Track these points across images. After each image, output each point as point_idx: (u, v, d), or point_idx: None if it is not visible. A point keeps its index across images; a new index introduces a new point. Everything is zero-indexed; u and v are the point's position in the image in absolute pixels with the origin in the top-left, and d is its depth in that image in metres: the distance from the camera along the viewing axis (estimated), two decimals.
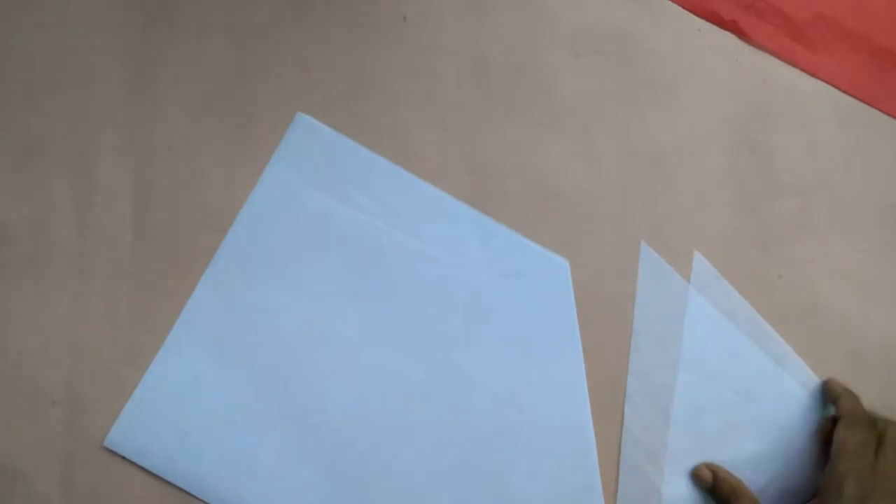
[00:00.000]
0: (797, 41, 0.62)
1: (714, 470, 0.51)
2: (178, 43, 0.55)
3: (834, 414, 0.52)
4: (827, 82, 0.61)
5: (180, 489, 0.49)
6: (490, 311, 0.54)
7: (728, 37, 0.61)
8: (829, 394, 0.54)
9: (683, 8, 0.61)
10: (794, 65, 0.61)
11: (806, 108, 0.61)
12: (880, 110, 0.62)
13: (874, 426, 0.50)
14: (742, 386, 0.53)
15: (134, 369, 0.51)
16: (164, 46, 0.55)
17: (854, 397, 0.52)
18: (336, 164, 0.55)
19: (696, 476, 0.52)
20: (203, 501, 0.49)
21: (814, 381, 0.54)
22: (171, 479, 0.49)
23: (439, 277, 0.54)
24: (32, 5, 0.55)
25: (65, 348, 0.51)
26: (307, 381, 0.52)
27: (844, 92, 0.61)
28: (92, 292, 0.51)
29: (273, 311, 0.52)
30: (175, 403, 0.50)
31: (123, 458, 0.49)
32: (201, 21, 0.56)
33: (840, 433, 0.49)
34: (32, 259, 0.52)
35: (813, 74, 0.61)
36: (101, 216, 0.53)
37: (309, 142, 0.55)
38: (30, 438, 0.49)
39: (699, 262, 0.56)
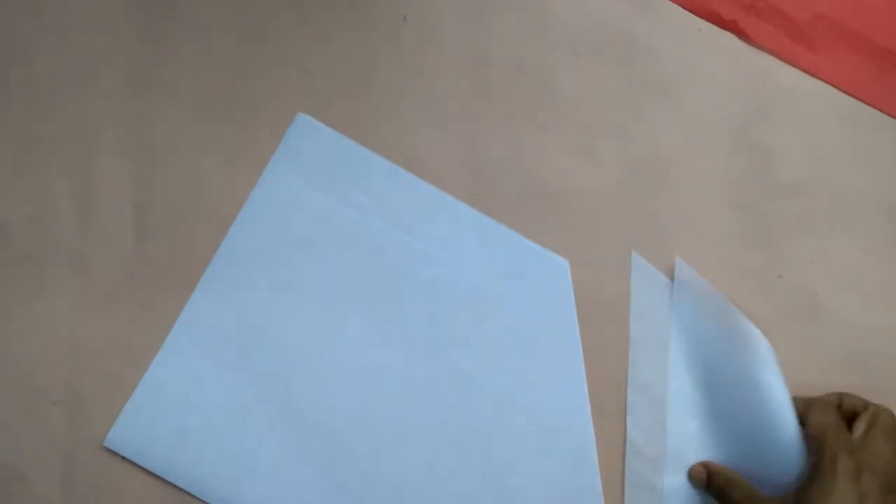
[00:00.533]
0: (797, 41, 0.62)
1: (707, 465, 0.52)
2: (179, 43, 0.55)
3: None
4: (827, 82, 0.61)
5: (180, 489, 0.49)
6: (490, 312, 0.54)
7: (728, 37, 0.61)
8: None
9: (683, 8, 0.61)
10: (794, 65, 0.61)
11: (806, 108, 0.61)
12: (880, 110, 0.62)
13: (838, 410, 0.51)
14: (728, 385, 0.53)
15: (134, 369, 0.51)
16: (165, 46, 0.55)
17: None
18: (336, 164, 0.55)
19: (691, 476, 0.52)
20: (203, 501, 0.49)
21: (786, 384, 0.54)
22: (171, 479, 0.49)
23: (439, 277, 0.54)
24: (32, 5, 0.55)
25: (65, 348, 0.50)
26: (307, 381, 0.52)
27: (844, 92, 0.61)
28: (92, 292, 0.51)
29: (273, 311, 0.52)
30: (175, 403, 0.50)
31: (123, 458, 0.49)
32: (202, 21, 0.56)
33: (818, 417, 0.50)
34: (32, 259, 0.51)
35: (813, 74, 0.61)
36: (101, 216, 0.53)
37: (309, 142, 0.55)
38: (30, 438, 0.49)
39: (681, 267, 0.55)
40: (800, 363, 0.56)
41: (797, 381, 0.56)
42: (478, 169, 0.57)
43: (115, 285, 0.52)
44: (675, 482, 0.52)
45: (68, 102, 0.54)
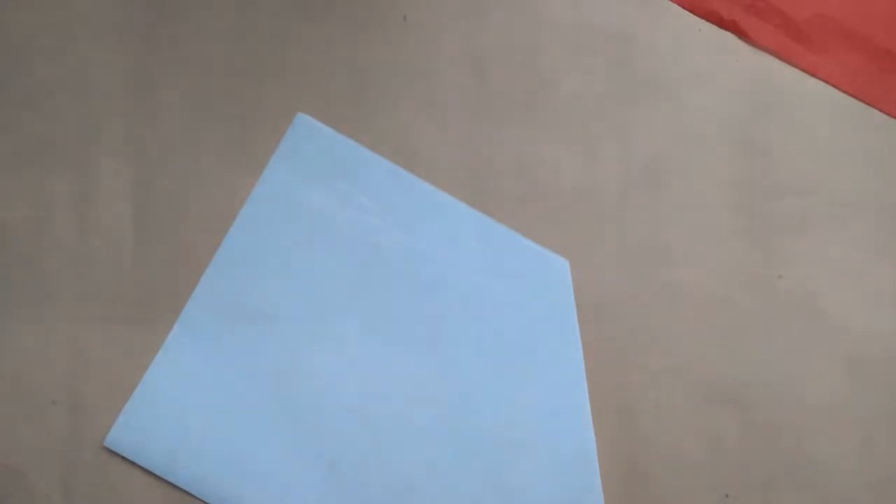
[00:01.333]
0: (797, 41, 0.62)
1: None
2: (179, 43, 0.56)
3: None
4: (827, 82, 0.61)
5: (180, 489, 0.49)
6: (490, 311, 0.54)
7: (728, 37, 0.61)
8: None
9: (683, 8, 0.61)
10: (794, 65, 0.61)
11: (806, 108, 0.61)
12: (880, 110, 0.61)
13: None
14: None
15: (134, 369, 0.51)
16: (165, 46, 0.55)
17: None
18: (336, 163, 0.55)
19: None
20: (203, 501, 0.49)
21: None
22: (171, 479, 0.49)
23: (439, 277, 0.54)
24: (32, 5, 0.55)
25: (65, 348, 0.51)
26: (307, 381, 0.52)
27: (844, 92, 0.61)
28: (92, 292, 0.51)
29: (273, 310, 0.52)
30: (175, 403, 0.50)
31: (123, 458, 0.49)
32: (202, 21, 0.56)
33: None
34: (32, 260, 0.51)
35: (813, 74, 0.61)
36: (101, 216, 0.53)
37: (309, 142, 0.55)
38: (30, 438, 0.49)
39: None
40: (800, 363, 0.56)
41: (797, 380, 0.56)
42: (478, 169, 0.57)
43: (115, 285, 0.52)
44: None
45: (68, 102, 0.54)
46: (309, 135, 0.55)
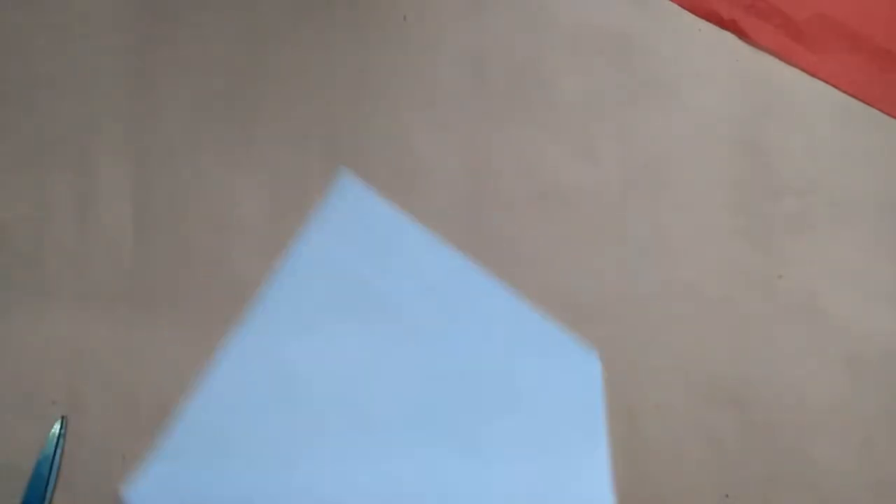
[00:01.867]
0: (797, 41, 0.62)
1: None
2: (179, 44, 0.56)
3: None
4: (827, 82, 0.61)
5: None
6: (517, 400, 0.54)
7: (728, 37, 0.61)
8: None
9: (683, 8, 0.61)
10: (794, 65, 0.61)
11: (806, 108, 0.61)
12: (880, 110, 0.61)
13: None
14: None
15: (133, 369, 0.51)
16: (165, 48, 0.55)
17: None
18: (376, 230, 0.55)
19: None
20: None
21: None
22: None
23: (469, 360, 0.54)
24: (32, 5, 0.55)
25: (65, 348, 0.51)
26: (329, 459, 0.52)
27: (844, 92, 0.61)
28: (91, 292, 0.51)
29: (304, 375, 0.52)
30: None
31: (121, 457, 0.49)
32: (202, 22, 0.56)
33: None
34: (32, 259, 0.51)
35: (813, 74, 0.61)
36: (101, 216, 0.53)
37: (350, 204, 0.54)
38: (30, 438, 0.49)
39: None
40: (800, 363, 0.56)
41: (797, 380, 0.56)
42: (478, 169, 0.57)
43: (114, 285, 0.52)
44: None
45: (68, 102, 0.54)
46: (351, 196, 0.54)
